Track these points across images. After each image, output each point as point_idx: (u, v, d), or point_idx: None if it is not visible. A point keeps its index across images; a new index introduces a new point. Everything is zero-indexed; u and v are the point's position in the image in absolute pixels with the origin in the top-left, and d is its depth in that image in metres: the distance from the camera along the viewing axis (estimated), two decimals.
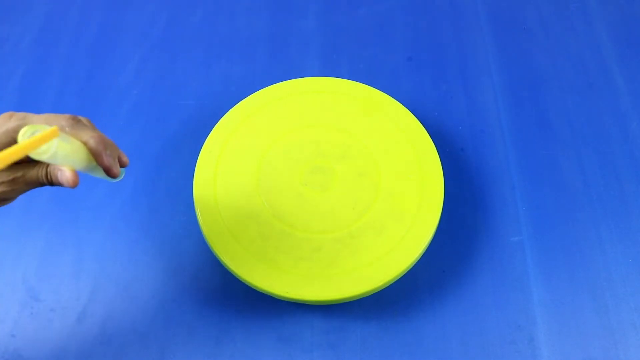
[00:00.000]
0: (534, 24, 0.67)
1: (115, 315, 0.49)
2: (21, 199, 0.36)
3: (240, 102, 0.55)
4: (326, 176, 0.51)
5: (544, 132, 0.59)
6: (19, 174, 0.33)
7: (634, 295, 0.50)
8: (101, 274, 0.51)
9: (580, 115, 0.60)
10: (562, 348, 0.48)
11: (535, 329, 0.48)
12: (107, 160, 0.34)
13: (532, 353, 0.47)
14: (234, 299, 0.50)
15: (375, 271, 0.46)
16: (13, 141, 0.32)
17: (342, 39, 0.66)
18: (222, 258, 0.47)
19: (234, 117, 0.54)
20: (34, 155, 0.30)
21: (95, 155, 0.34)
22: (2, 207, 0.35)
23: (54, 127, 0.30)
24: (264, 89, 0.56)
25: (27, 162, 0.34)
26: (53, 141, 0.30)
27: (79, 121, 0.34)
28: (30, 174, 0.33)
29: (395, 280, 0.47)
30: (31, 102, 0.61)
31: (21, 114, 0.33)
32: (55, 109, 0.60)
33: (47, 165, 0.33)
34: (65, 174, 0.32)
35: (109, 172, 0.35)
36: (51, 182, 0.34)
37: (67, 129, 0.33)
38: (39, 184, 0.34)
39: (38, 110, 0.61)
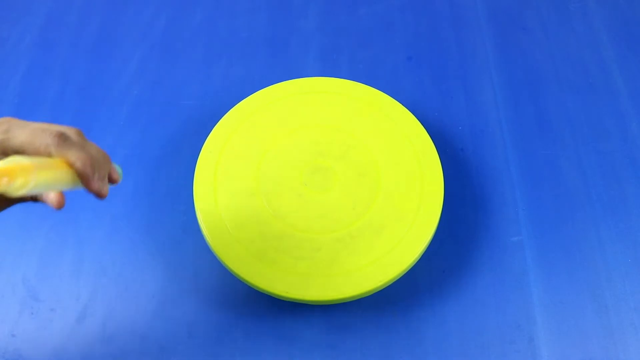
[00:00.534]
0: (533, 24, 0.67)
1: (115, 315, 0.49)
2: None
3: (240, 102, 0.55)
4: (326, 176, 0.51)
5: (544, 132, 0.59)
6: None
7: (633, 295, 0.50)
8: (101, 274, 0.51)
9: (580, 115, 0.60)
10: (562, 348, 0.48)
11: (535, 329, 0.48)
12: (95, 185, 0.31)
13: (532, 353, 0.47)
14: (234, 299, 0.50)
15: (375, 271, 0.46)
16: None
17: (342, 39, 0.66)
18: (222, 258, 0.47)
19: (234, 117, 0.54)
20: (12, 192, 0.27)
21: (82, 178, 0.31)
22: None
23: (28, 167, 0.27)
24: (264, 89, 0.56)
25: None
26: (30, 178, 0.27)
27: (66, 139, 0.30)
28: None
29: (395, 280, 0.47)
30: (31, 102, 0.61)
31: (5, 125, 0.30)
32: (55, 109, 0.60)
33: None
34: (50, 196, 0.30)
35: (97, 196, 0.32)
36: (35, 200, 0.31)
37: (52, 148, 0.29)
38: (22, 200, 0.32)
39: (38, 110, 0.61)
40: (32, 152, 0.29)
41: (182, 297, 0.50)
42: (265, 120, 0.54)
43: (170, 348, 0.48)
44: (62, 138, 0.30)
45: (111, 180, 0.35)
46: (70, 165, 0.30)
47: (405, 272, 0.47)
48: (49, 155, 0.30)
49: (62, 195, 0.30)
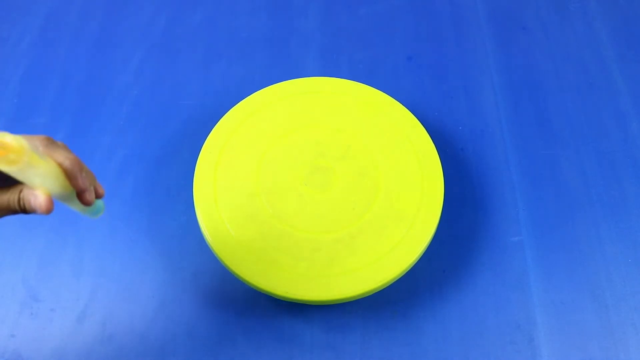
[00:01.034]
0: (533, 24, 0.67)
1: (115, 315, 0.49)
2: None
3: (240, 102, 0.55)
4: (326, 176, 0.51)
5: (544, 132, 0.59)
6: None
7: (633, 295, 0.50)
8: (101, 274, 0.51)
9: (580, 115, 0.60)
10: (562, 348, 0.48)
11: (535, 329, 0.48)
12: (83, 182, 0.32)
13: (532, 353, 0.47)
14: (234, 299, 0.50)
15: (375, 271, 0.46)
16: None
17: (342, 39, 0.66)
18: (222, 258, 0.47)
19: (234, 117, 0.54)
20: (4, 165, 0.28)
21: (69, 176, 0.32)
22: None
23: (24, 145, 0.28)
24: (264, 89, 0.56)
25: None
26: (24, 148, 0.28)
27: (53, 142, 0.32)
28: (0, 201, 0.31)
29: (395, 280, 0.47)
30: (31, 102, 0.61)
31: None
32: (55, 109, 0.60)
33: (20, 190, 0.31)
34: (38, 199, 0.30)
35: (82, 197, 0.33)
36: (24, 209, 0.31)
37: (40, 148, 0.31)
38: (10, 211, 0.32)
39: (38, 110, 0.61)
40: None
41: (182, 297, 0.50)
42: (265, 120, 0.54)
43: (170, 348, 0.48)
44: (50, 141, 0.32)
45: (97, 194, 0.35)
46: (59, 165, 0.31)
47: (405, 272, 0.47)
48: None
49: (51, 199, 0.31)
